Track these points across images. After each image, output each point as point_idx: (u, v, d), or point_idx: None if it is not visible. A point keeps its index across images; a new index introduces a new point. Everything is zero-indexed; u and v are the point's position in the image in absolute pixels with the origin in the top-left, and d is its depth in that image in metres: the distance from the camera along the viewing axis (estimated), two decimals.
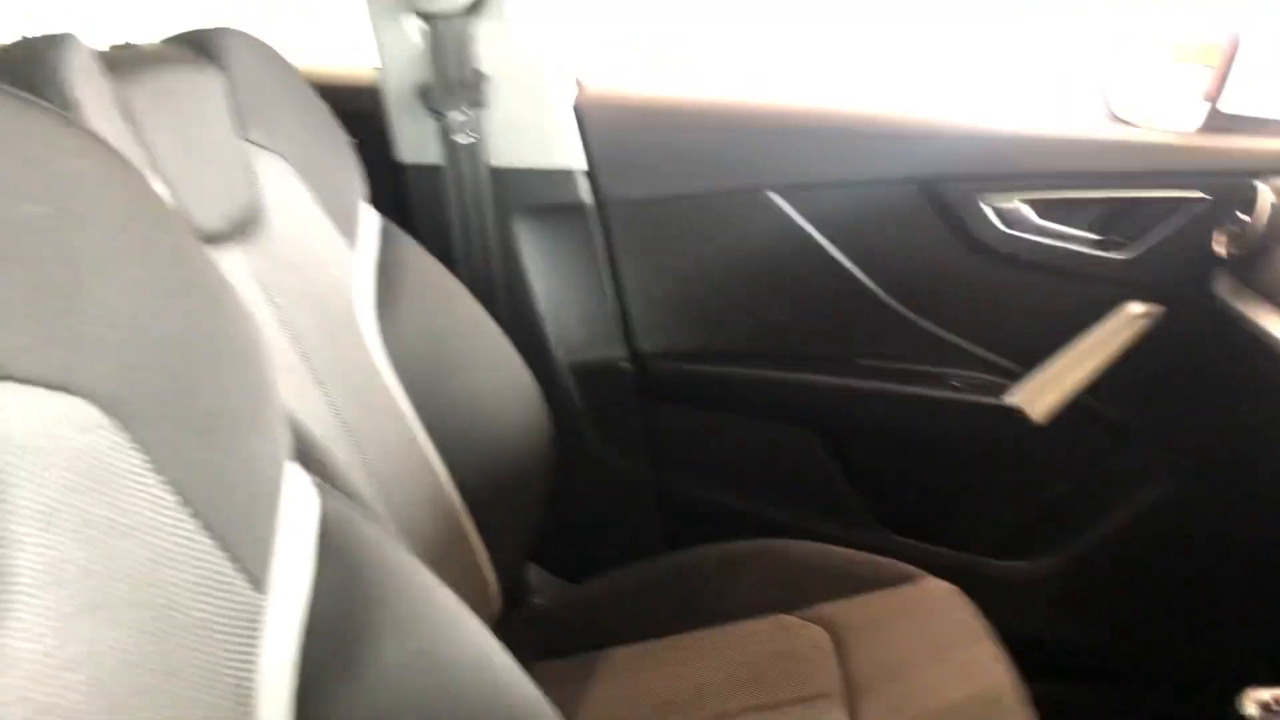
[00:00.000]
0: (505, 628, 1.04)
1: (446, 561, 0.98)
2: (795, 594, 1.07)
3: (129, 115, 0.80)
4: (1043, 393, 1.25)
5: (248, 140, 0.94)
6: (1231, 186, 1.13)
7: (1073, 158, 1.21)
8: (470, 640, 0.57)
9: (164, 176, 0.81)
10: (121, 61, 0.83)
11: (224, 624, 0.46)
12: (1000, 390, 1.26)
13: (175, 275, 0.50)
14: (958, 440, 1.32)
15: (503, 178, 1.29)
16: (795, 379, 1.33)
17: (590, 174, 1.30)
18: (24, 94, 0.47)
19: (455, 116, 1.25)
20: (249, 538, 0.48)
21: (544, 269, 1.34)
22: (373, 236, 1.05)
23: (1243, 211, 1.12)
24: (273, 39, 1.01)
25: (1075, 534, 1.33)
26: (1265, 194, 1.11)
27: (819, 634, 1.02)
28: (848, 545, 1.14)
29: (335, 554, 0.53)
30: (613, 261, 1.34)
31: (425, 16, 1.23)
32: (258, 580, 0.48)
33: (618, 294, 1.36)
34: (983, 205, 1.23)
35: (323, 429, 0.90)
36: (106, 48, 0.89)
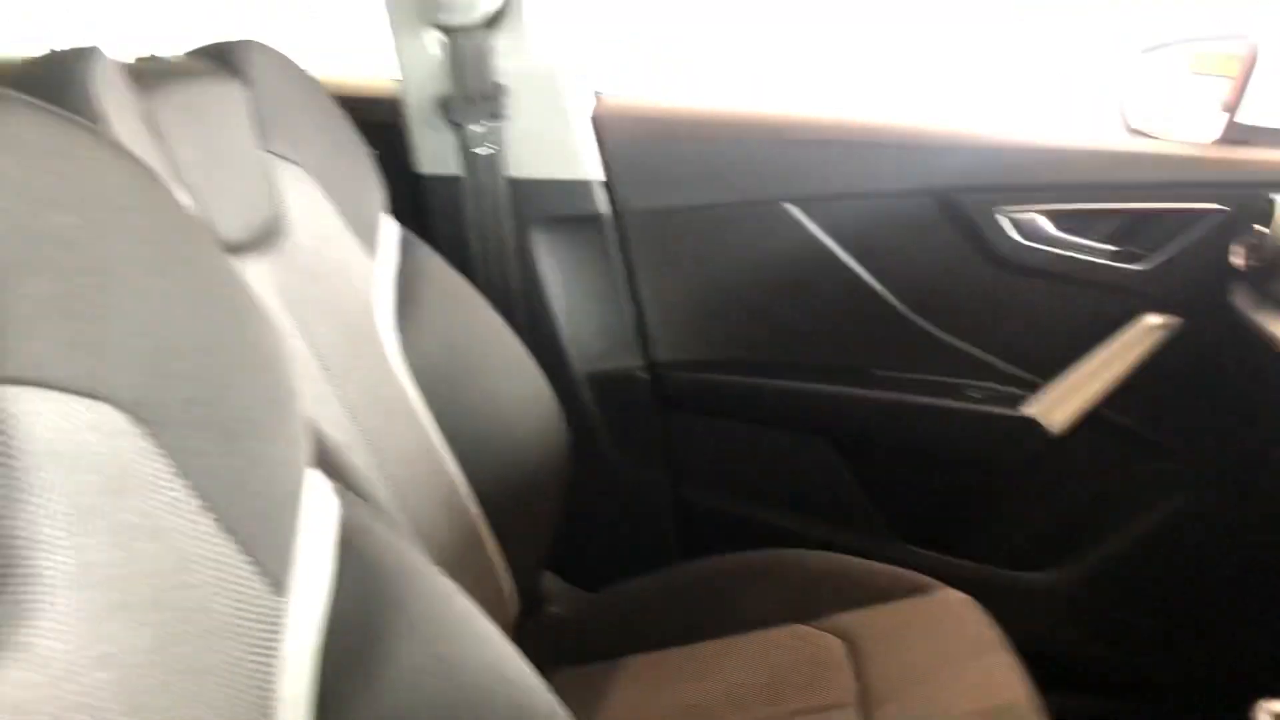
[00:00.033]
0: (521, 635, 1.04)
1: (463, 568, 0.99)
2: (811, 604, 1.07)
3: (154, 127, 0.82)
4: (1060, 404, 1.24)
5: (270, 151, 0.95)
6: (1249, 198, 1.13)
7: (1090, 169, 1.21)
8: (487, 645, 0.58)
9: (188, 187, 0.83)
10: (146, 74, 0.84)
11: (246, 626, 0.47)
12: (1017, 401, 1.26)
13: (200, 285, 0.51)
14: (974, 451, 1.31)
15: (521, 189, 1.30)
16: (811, 389, 1.33)
17: (608, 185, 1.31)
18: (53, 107, 0.48)
19: (474, 128, 1.26)
20: (270, 542, 0.49)
21: (561, 279, 1.35)
22: (392, 247, 1.07)
23: (1260, 223, 1.11)
24: (271, 40, 1.02)
25: (1092, 546, 1.32)
26: None
27: (835, 644, 1.02)
28: (864, 556, 1.14)
29: (354, 558, 0.54)
30: (630, 272, 1.35)
31: (445, 30, 1.24)
32: (278, 583, 0.49)
33: (635, 304, 1.36)
34: (999, 217, 1.23)
35: (342, 436, 0.91)
36: (131, 60, 0.91)
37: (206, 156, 0.86)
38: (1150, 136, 1.20)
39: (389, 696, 0.51)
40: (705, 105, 1.33)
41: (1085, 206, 1.23)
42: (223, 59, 0.95)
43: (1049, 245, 1.23)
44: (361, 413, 0.94)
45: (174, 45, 1.00)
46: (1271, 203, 1.10)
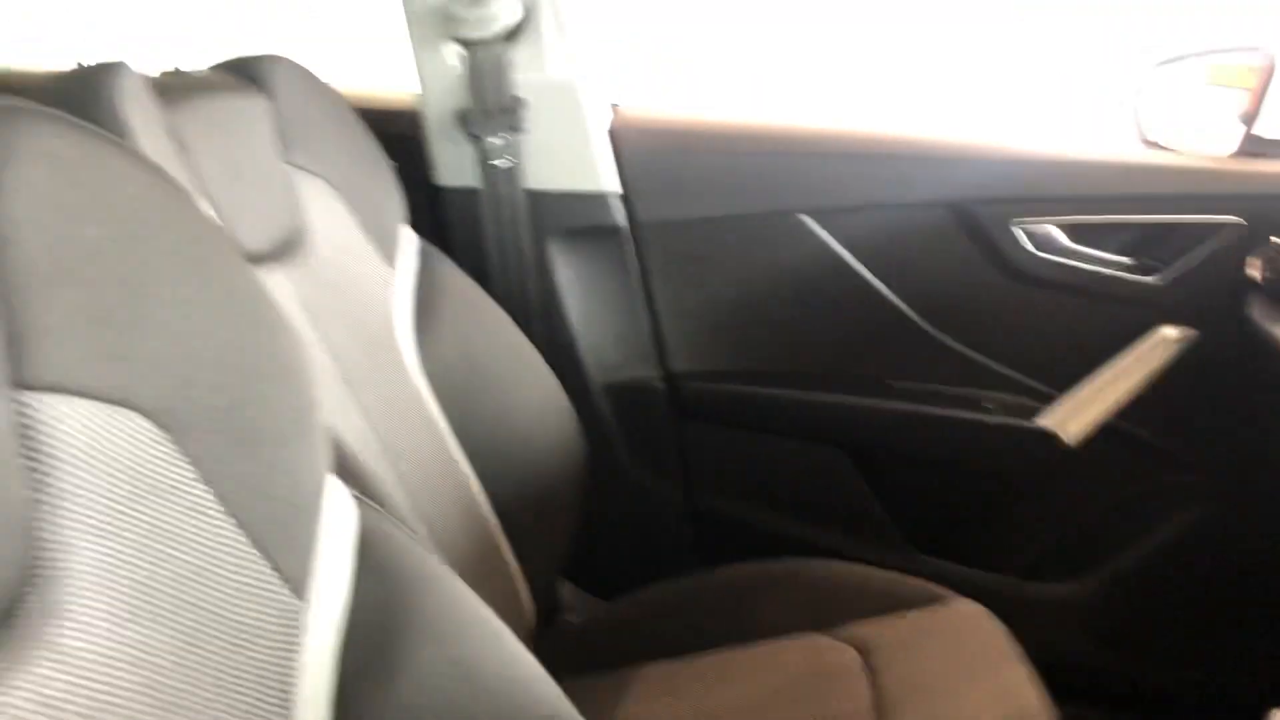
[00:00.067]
0: (538, 643, 1.05)
1: (480, 576, 1.00)
2: (826, 613, 1.07)
3: (179, 140, 0.83)
4: (1075, 416, 1.24)
5: (291, 164, 0.97)
6: (1266, 211, 1.13)
7: (1106, 182, 1.21)
8: (503, 651, 0.58)
9: (211, 199, 0.84)
10: (171, 88, 0.86)
11: (266, 628, 0.48)
12: (1032, 413, 1.26)
13: (224, 295, 0.52)
14: (989, 462, 1.31)
15: (539, 200, 1.31)
16: (827, 400, 1.33)
17: (625, 197, 1.32)
18: (82, 121, 0.49)
19: (493, 141, 1.28)
20: (291, 546, 0.50)
21: (579, 290, 1.36)
22: (412, 258, 1.08)
23: (1277, 236, 1.11)
24: (270, 39, 1.03)
25: (1106, 557, 1.32)
26: None
27: (849, 654, 1.02)
28: (879, 565, 1.14)
29: (373, 564, 0.55)
30: (646, 283, 1.35)
31: (465, 43, 1.25)
32: (299, 587, 0.50)
33: (651, 315, 1.37)
34: (1015, 229, 1.23)
35: (361, 444, 0.92)
36: (156, 74, 0.92)
37: (229, 169, 0.88)
38: (1166, 149, 1.20)
39: (406, 699, 0.52)
40: (721, 118, 1.34)
41: (1101, 219, 1.23)
42: (246, 73, 0.97)
43: (1064, 257, 1.23)
44: (380, 421, 0.95)
45: (176, 45, 1.01)
46: None
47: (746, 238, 1.31)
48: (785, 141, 1.30)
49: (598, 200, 1.31)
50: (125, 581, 0.42)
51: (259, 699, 0.47)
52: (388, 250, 1.05)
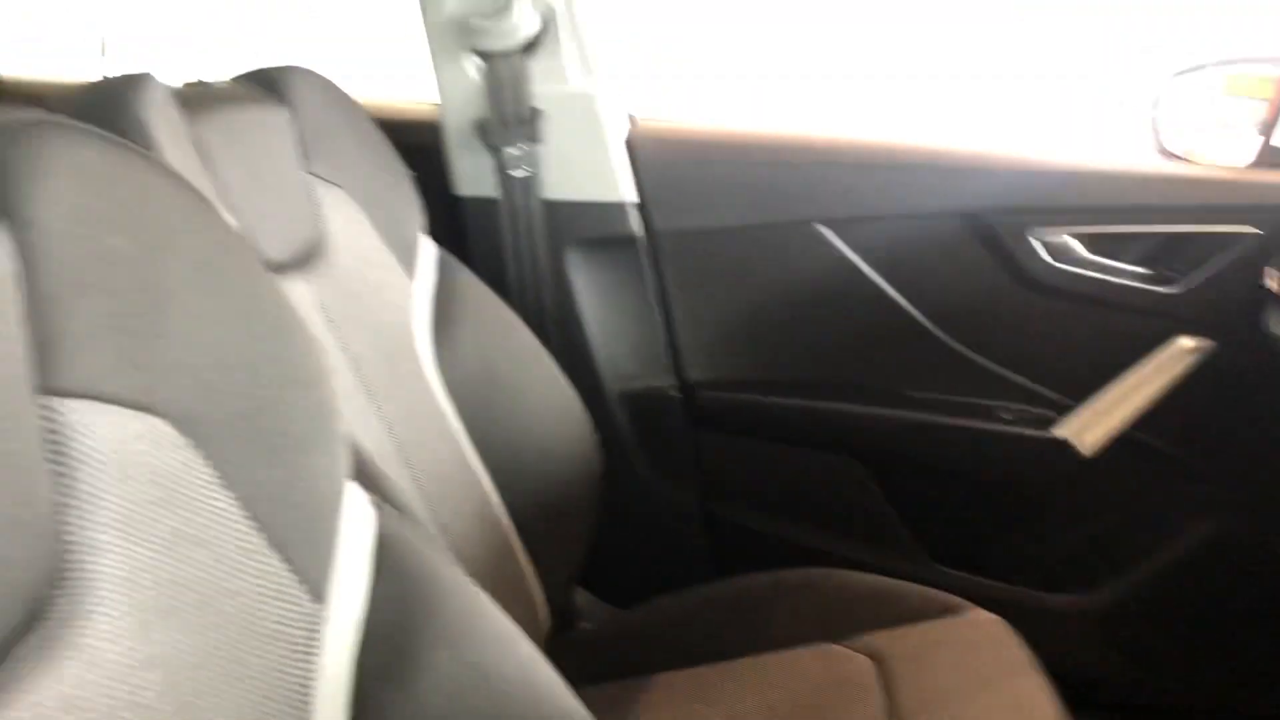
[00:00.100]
0: (553, 651, 1.05)
1: (496, 582, 1.00)
2: (841, 623, 1.07)
3: (202, 150, 0.85)
4: (1091, 426, 1.24)
5: (312, 174, 0.98)
6: None
7: (1122, 192, 1.20)
8: (519, 656, 0.59)
9: (234, 209, 0.85)
10: (194, 99, 0.87)
11: (287, 631, 0.49)
12: (1048, 423, 1.26)
13: (246, 303, 0.53)
14: (1005, 472, 1.31)
15: (556, 210, 1.32)
16: (843, 410, 1.33)
17: (641, 207, 1.32)
18: (108, 133, 0.50)
19: (511, 151, 1.29)
20: (311, 551, 0.51)
21: (595, 299, 1.37)
22: (430, 267, 1.09)
23: None
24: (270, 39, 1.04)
25: (1123, 568, 1.32)
26: None
27: (865, 664, 1.02)
28: (894, 575, 1.13)
29: (390, 568, 0.56)
30: (663, 292, 1.36)
31: (483, 55, 1.27)
32: (318, 591, 0.51)
33: (667, 324, 1.38)
34: (1031, 239, 1.23)
35: (379, 450, 0.93)
36: (180, 85, 0.94)
37: (251, 178, 0.89)
38: (1183, 159, 1.20)
39: (422, 702, 0.53)
40: (738, 128, 1.35)
41: (1118, 229, 1.22)
42: (267, 84, 0.98)
43: (1081, 268, 1.23)
44: (398, 428, 0.96)
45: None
46: None
47: (763, 247, 1.32)
48: (802, 152, 1.30)
49: (615, 210, 1.31)
50: (150, 584, 0.43)
51: (279, 701, 0.47)
52: (407, 259, 1.06)
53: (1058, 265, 1.23)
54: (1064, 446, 1.24)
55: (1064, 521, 1.34)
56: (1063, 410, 1.26)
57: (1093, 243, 1.24)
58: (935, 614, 1.06)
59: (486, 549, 1.00)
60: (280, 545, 0.49)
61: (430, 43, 1.29)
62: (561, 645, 1.12)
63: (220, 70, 1.04)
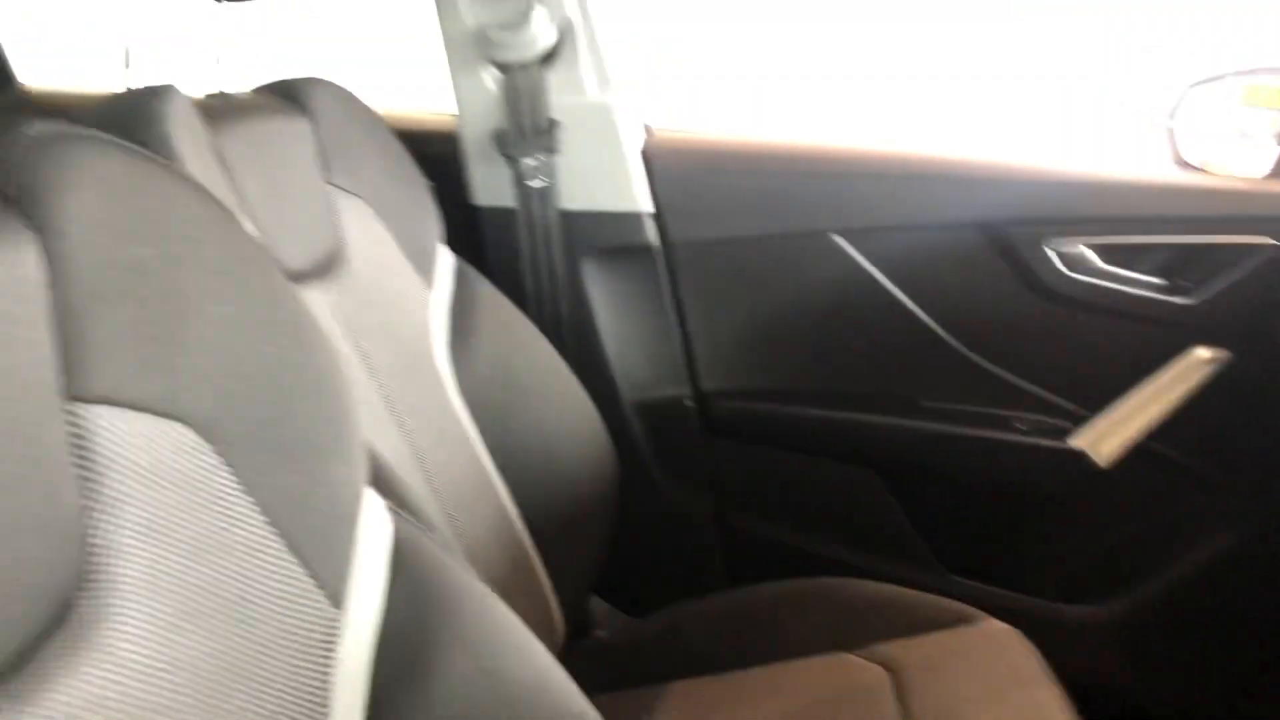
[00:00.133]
0: (568, 659, 1.06)
1: (511, 590, 1.01)
2: (855, 633, 1.07)
3: (223, 161, 0.86)
4: (1107, 436, 1.24)
5: (331, 184, 0.99)
6: None
7: (1139, 203, 1.20)
8: (533, 662, 0.60)
9: (254, 219, 0.86)
10: (216, 110, 0.89)
11: (305, 636, 0.49)
12: (1064, 433, 1.26)
13: (267, 312, 0.54)
14: (1021, 482, 1.31)
15: (573, 220, 1.33)
16: (858, 419, 1.34)
17: (657, 217, 1.33)
18: (132, 145, 0.51)
19: (528, 161, 1.29)
20: (329, 556, 0.52)
21: (611, 309, 1.37)
22: (448, 276, 1.10)
23: None
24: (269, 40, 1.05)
25: (1139, 579, 1.31)
26: None
27: (879, 673, 1.02)
28: (908, 585, 1.13)
29: (407, 574, 0.56)
30: (678, 302, 1.37)
31: (501, 66, 1.28)
32: (336, 596, 0.52)
33: (683, 333, 1.38)
34: (1047, 249, 1.23)
35: (396, 458, 0.94)
36: (202, 96, 0.95)
37: (271, 188, 0.90)
38: (1200, 170, 1.20)
39: (438, 707, 0.53)
40: (753, 138, 1.35)
41: (1134, 239, 1.22)
42: (288, 95, 1.00)
43: (1097, 278, 1.23)
44: (416, 436, 0.97)
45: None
46: None
47: (778, 257, 1.32)
48: (817, 162, 1.30)
49: (631, 220, 1.32)
50: (172, 587, 0.43)
51: (297, 703, 0.48)
52: (425, 269, 1.07)
53: (1074, 276, 1.23)
54: (1080, 457, 1.24)
55: (1079, 532, 1.34)
56: (1079, 421, 1.26)
57: (1109, 253, 1.24)
58: (949, 624, 1.06)
59: (502, 556, 1.01)
60: (299, 551, 0.50)
61: (448, 54, 1.30)
62: (576, 653, 1.12)
63: (244, 82, 1.05)
